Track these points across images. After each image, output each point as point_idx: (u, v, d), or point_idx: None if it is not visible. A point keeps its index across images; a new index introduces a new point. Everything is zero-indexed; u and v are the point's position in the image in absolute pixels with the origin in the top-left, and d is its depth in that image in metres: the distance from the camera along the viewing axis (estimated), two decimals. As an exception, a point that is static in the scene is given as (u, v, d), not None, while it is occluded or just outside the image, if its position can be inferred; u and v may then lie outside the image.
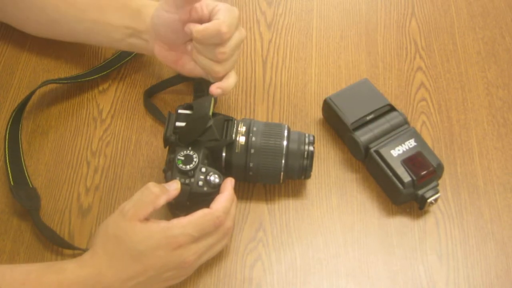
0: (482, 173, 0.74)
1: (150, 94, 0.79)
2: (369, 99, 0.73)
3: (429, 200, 0.67)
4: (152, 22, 0.71)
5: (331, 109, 0.74)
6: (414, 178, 0.67)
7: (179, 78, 0.78)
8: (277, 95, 0.80)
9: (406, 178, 0.67)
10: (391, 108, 0.73)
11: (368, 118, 0.72)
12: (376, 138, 0.71)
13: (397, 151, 0.69)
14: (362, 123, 0.72)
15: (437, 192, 0.68)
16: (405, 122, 0.72)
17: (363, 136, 0.70)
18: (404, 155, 0.68)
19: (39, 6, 0.77)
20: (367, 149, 0.70)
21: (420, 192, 0.68)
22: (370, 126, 0.71)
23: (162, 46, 0.72)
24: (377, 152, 0.69)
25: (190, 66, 0.72)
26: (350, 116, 0.72)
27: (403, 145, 0.69)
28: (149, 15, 0.71)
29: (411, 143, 0.70)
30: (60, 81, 0.79)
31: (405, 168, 0.68)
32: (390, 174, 0.68)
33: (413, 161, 0.68)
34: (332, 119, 0.75)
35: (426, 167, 0.68)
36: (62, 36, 0.81)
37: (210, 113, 0.65)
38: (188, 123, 0.65)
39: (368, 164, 0.72)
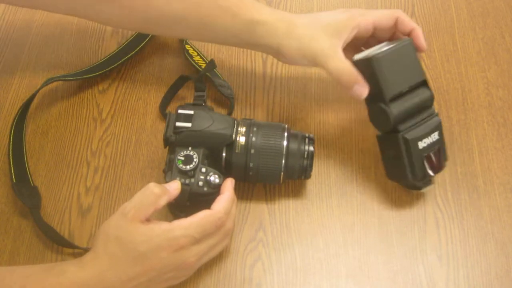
0: (482, 173, 0.74)
1: (164, 108, 0.78)
2: (409, 70, 0.67)
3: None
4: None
5: (373, 71, 0.65)
6: (427, 174, 0.67)
7: (184, 79, 0.77)
8: (277, 95, 0.80)
9: (420, 172, 0.66)
10: (424, 83, 0.68)
11: (404, 91, 0.67)
12: (407, 113, 0.66)
13: (423, 143, 0.66)
14: (398, 96, 0.67)
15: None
16: (432, 103, 0.68)
17: (395, 109, 0.66)
18: (427, 150, 0.67)
19: None
20: (396, 127, 0.66)
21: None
22: (404, 99, 0.67)
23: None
24: (405, 139, 0.66)
25: None
26: (390, 88, 0.66)
27: (429, 137, 0.67)
28: (263, 36, 0.68)
29: (435, 136, 0.67)
30: (65, 78, 0.78)
31: (423, 163, 0.66)
32: (407, 163, 0.66)
33: (433, 160, 0.67)
34: (368, 81, 0.67)
35: (440, 167, 0.68)
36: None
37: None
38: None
39: (386, 139, 0.69)
